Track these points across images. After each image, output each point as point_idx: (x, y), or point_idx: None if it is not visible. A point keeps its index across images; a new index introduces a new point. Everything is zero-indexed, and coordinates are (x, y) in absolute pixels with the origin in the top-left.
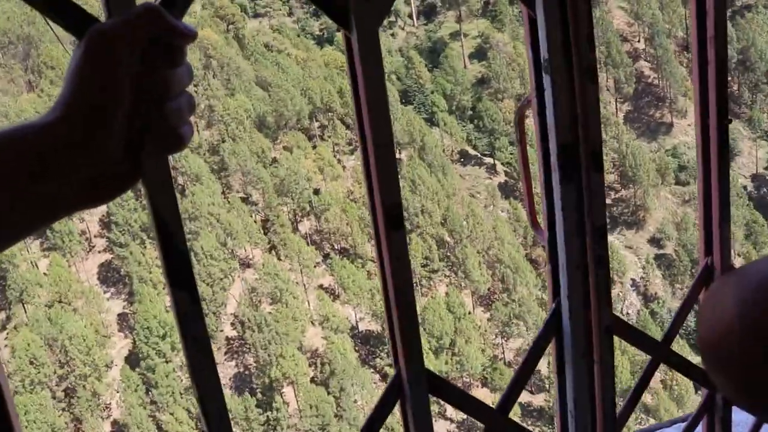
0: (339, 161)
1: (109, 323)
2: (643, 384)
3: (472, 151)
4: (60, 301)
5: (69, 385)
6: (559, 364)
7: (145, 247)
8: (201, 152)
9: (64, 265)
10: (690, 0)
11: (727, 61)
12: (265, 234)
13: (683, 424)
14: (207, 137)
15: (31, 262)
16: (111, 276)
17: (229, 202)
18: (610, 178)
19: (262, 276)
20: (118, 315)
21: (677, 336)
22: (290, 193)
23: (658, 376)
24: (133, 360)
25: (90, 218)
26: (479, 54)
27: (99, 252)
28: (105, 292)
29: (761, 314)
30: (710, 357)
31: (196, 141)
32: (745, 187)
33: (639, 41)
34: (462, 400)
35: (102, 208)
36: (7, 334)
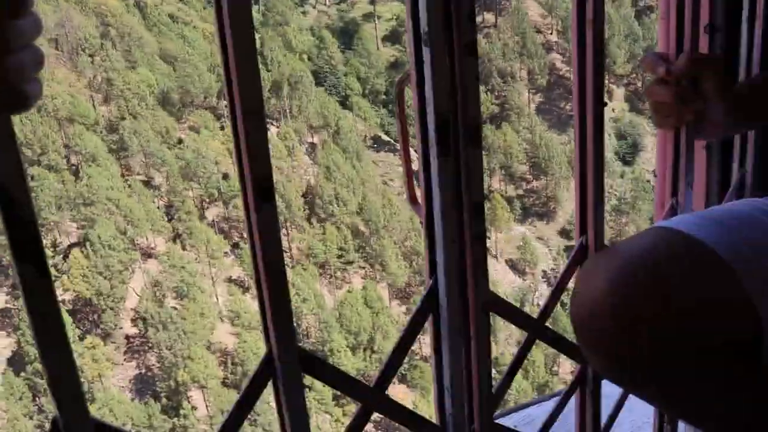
0: None
1: None
2: (518, 360)
3: (385, 137)
4: None
5: None
6: (435, 341)
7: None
8: (97, 130)
9: None
10: None
11: (604, 45)
12: (169, 221)
13: (558, 398)
14: (104, 113)
15: None
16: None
17: (129, 185)
18: (522, 168)
19: (165, 268)
20: None
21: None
22: (197, 177)
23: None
24: (17, 363)
25: None
26: (393, 37)
27: None
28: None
29: (628, 290)
30: (581, 332)
31: (92, 117)
32: (648, 181)
33: (552, 33)
34: (336, 377)
35: None
36: None
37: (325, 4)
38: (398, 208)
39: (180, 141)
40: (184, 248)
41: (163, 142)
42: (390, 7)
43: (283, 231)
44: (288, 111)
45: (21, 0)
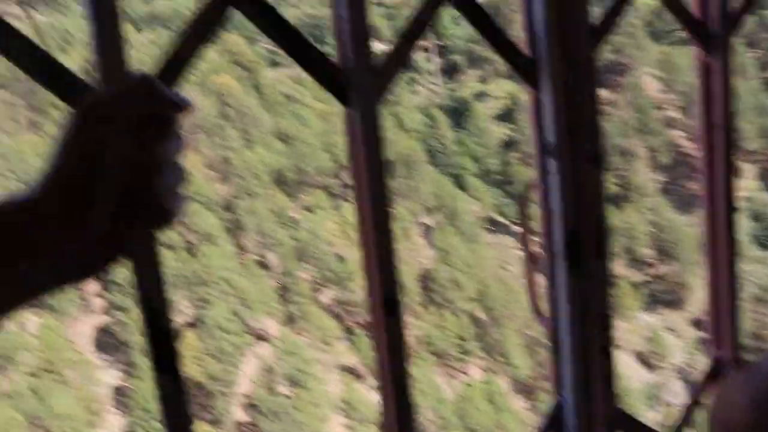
0: None
1: (102, 398)
2: None
3: (499, 218)
4: (48, 371)
5: None
6: None
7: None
8: (214, 208)
9: (56, 327)
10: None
11: (734, 121)
12: (283, 304)
13: None
14: (222, 192)
15: (20, 324)
16: (108, 343)
17: (243, 265)
18: (647, 252)
19: (278, 353)
20: (115, 389)
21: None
22: (310, 258)
23: None
24: None
25: None
26: (505, 116)
27: (96, 313)
28: (100, 361)
29: None
30: None
31: (210, 196)
32: None
33: (672, 110)
34: None
35: None
36: None
37: (435, 83)
38: (518, 294)
39: (294, 220)
40: (297, 332)
41: (278, 221)
42: (500, 85)
43: None
44: (403, 191)
45: (173, 124)
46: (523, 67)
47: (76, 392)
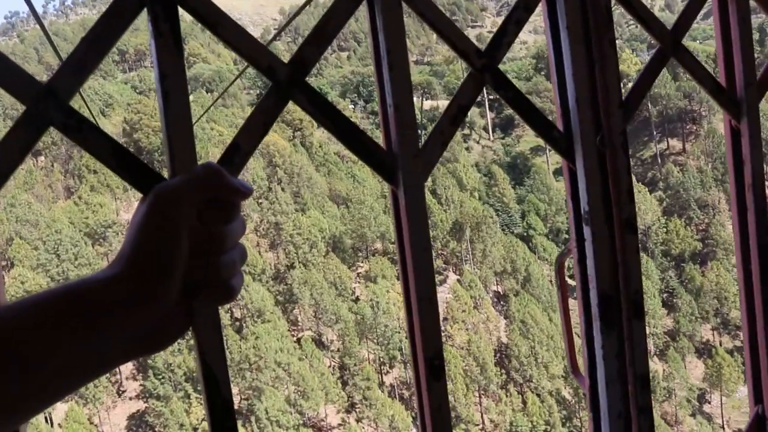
0: None
1: None
2: None
3: (571, 282)
4: None
5: None
6: None
7: (190, 402)
8: (264, 279)
9: (83, 419)
10: None
11: None
12: (343, 387)
13: None
14: (271, 261)
15: (46, 417)
16: (142, 429)
17: (299, 344)
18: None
19: None
20: None
21: None
22: (373, 335)
23: None
24: None
25: None
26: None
27: (130, 399)
28: None
29: None
30: None
31: (258, 266)
32: None
33: None
34: None
35: None
36: None
37: (489, 139)
38: None
39: (354, 292)
40: (359, 420)
41: (336, 293)
42: None
43: (475, 399)
44: (470, 255)
45: (235, 207)
46: (557, 141)
47: None
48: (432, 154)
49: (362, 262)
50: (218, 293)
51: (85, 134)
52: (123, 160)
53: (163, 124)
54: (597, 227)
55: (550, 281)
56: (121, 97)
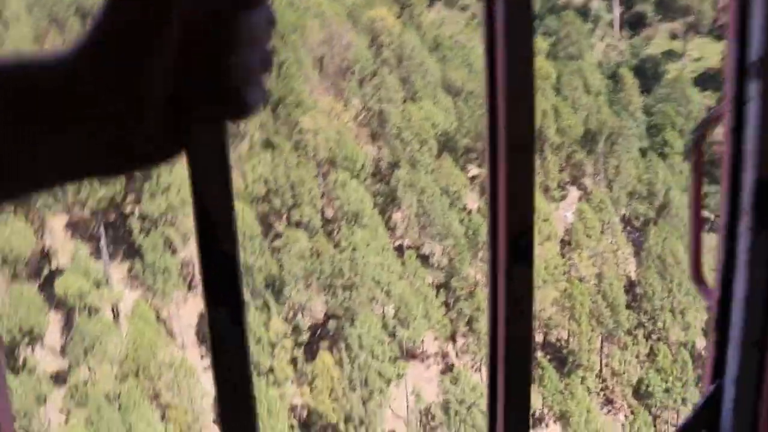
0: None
1: (201, 413)
2: None
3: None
4: (135, 374)
5: None
6: None
7: (269, 314)
8: (363, 177)
9: (149, 315)
10: None
11: None
12: (446, 313)
13: None
14: (374, 157)
15: (113, 307)
16: None
17: (399, 258)
18: None
19: (440, 382)
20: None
21: None
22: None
23: None
24: None
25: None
26: (706, 80)
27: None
28: (203, 359)
29: None
30: None
31: (359, 161)
32: None
33: None
34: None
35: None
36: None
37: (613, 37)
38: None
39: (467, 211)
40: (458, 354)
41: (446, 200)
42: (697, 43)
43: (598, 343)
44: (602, 171)
45: None
46: None
47: (169, 410)
48: None
49: (478, 166)
50: (225, 104)
51: None
52: None
53: None
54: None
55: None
56: None
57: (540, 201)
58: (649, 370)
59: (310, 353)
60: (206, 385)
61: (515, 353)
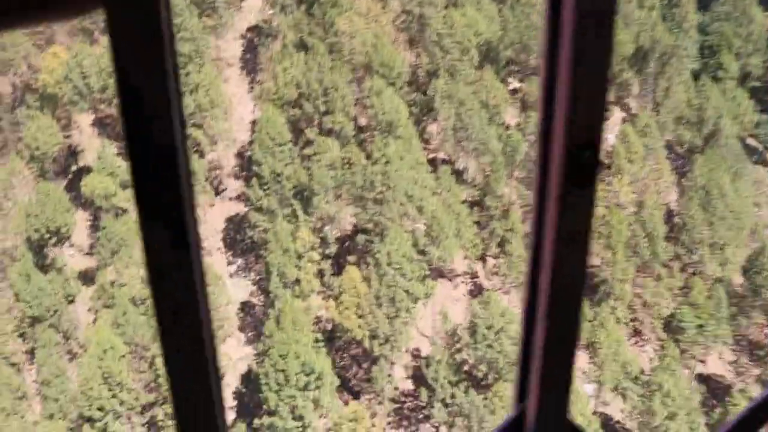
0: None
1: (228, 319)
2: None
3: (752, 142)
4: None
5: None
6: None
7: (297, 224)
8: (399, 84)
9: None
10: None
11: None
12: (479, 232)
13: None
14: (412, 64)
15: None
16: (240, 240)
17: (433, 173)
18: None
19: (468, 303)
20: (242, 305)
21: None
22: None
23: None
24: (251, 382)
25: (224, 151)
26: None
27: (230, 200)
28: (229, 265)
29: None
30: None
31: (396, 69)
32: None
33: None
34: None
35: (239, 137)
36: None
37: None
38: None
39: (506, 126)
40: (490, 276)
41: (484, 115)
42: None
43: (636, 280)
44: (650, 93)
45: None
46: None
47: None
48: None
49: (520, 81)
50: None
51: None
52: None
53: None
54: None
55: (743, 142)
56: None
57: None
58: (682, 304)
59: (337, 267)
60: (231, 291)
61: (563, 302)
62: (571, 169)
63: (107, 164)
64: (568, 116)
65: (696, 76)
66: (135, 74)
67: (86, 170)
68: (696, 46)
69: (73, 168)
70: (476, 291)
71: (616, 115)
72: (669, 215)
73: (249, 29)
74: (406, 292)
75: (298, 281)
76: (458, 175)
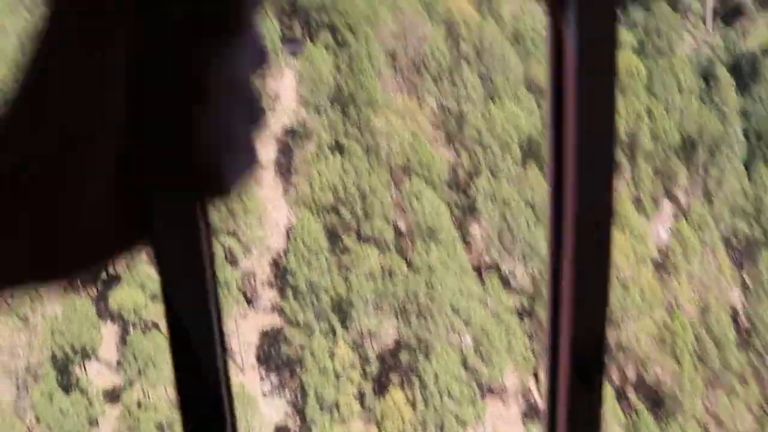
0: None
1: None
2: None
3: None
4: None
5: None
6: None
7: (335, 340)
8: (439, 186)
9: None
10: None
11: None
12: (530, 344)
13: None
14: (451, 163)
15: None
16: (275, 355)
17: (483, 283)
18: None
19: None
20: (276, 430)
21: None
22: None
23: None
24: None
25: (258, 259)
26: None
27: (264, 311)
28: (262, 380)
29: None
30: None
31: (435, 169)
32: None
33: None
34: None
35: (273, 244)
36: None
37: (705, 30)
38: None
39: None
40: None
41: (531, 214)
42: None
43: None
44: (700, 184)
45: (236, 17)
46: None
47: None
48: None
49: None
50: (193, 179)
51: None
52: None
53: None
54: None
55: None
56: None
57: (629, 213)
58: (765, 422)
59: (379, 387)
60: (266, 413)
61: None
62: (578, 373)
63: (137, 275)
64: (570, 319)
65: (748, 163)
66: (181, 299)
67: (116, 280)
68: (740, 131)
69: (102, 279)
70: (530, 413)
71: (666, 209)
72: (734, 316)
73: (284, 131)
74: (456, 416)
75: (336, 405)
76: (504, 281)
